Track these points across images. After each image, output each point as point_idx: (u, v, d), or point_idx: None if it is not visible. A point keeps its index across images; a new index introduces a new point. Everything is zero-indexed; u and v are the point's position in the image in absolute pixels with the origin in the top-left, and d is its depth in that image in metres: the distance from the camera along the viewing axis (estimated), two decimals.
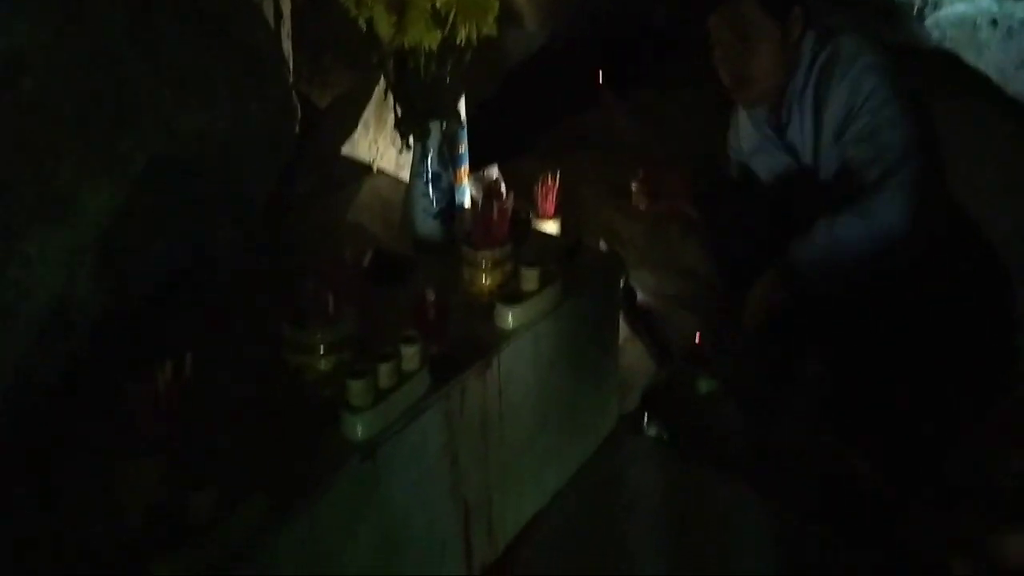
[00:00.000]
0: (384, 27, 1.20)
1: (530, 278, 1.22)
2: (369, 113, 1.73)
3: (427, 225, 1.38)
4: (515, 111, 2.25)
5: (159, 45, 0.98)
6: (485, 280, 1.25)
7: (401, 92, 1.32)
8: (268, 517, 0.85)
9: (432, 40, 1.23)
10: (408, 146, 1.39)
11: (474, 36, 1.24)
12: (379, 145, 1.77)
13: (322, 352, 1.01)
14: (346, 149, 1.68)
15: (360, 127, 1.71)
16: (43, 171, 0.88)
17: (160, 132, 0.97)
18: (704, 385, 1.67)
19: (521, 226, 1.38)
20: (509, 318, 1.19)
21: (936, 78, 2.23)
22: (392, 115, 1.67)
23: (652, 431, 1.54)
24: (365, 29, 1.25)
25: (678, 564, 1.28)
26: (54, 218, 0.90)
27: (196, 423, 0.85)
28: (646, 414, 1.57)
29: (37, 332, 0.93)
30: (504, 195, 1.32)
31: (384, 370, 0.99)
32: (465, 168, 1.61)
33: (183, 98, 1.00)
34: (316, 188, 1.61)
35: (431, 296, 1.12)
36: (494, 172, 1.63)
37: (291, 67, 1.53)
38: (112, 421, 0.83)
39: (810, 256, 1.53)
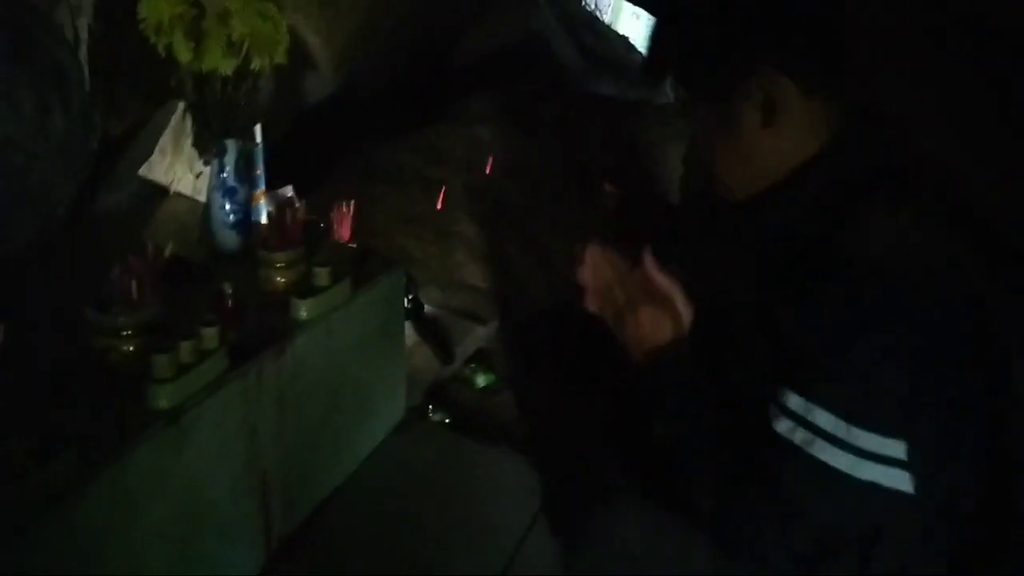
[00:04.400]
0: (183, 53, 1.34)
1: (322, 275, 1.39)
2: (166, 140, 1.83)
3: (224, 235, 1.51)
4: (312, 146, 2.43)
5: None
6: (280, 279, 1.40)
7: (199, 113, 1.45)
8: (80, 467, 0.95)
9: (227, 66, 1.38)
10: (206, 163, 1.53)
11: (267, 64, 1.41)
12: (176, 170, 1.87)
13: (127, 335, 1.13)
14: (143, 171, 1.77)
15: (157, 152, 1.81)
16: None
17: None
18: (483, 379, 1.91)
19: (315, 234, 1.55)
20: (302, 310, 1.35)
21: None
22: (188, 142, 1.81)
23: (436, 417, 1.75)
24: (164, 55, 1.39)
25: (460, 520, 1.48)
26: None
27: (11, 385, 0.94)
28: (431, 404, 1.77)
29: None
30: (296, 205, 1.48)
31: (185, 347, 1.12)
32: (262, 189, 1.75)
33: None
34: (114, 207, 1.69)
35: (228, 289, 1.27)
36: (288, 190, 1.78)
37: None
38: None
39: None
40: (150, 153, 1.78)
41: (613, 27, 4.95)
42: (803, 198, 0.97)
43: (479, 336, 2.07)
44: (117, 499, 1.00)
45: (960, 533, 0.94)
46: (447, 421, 1.76)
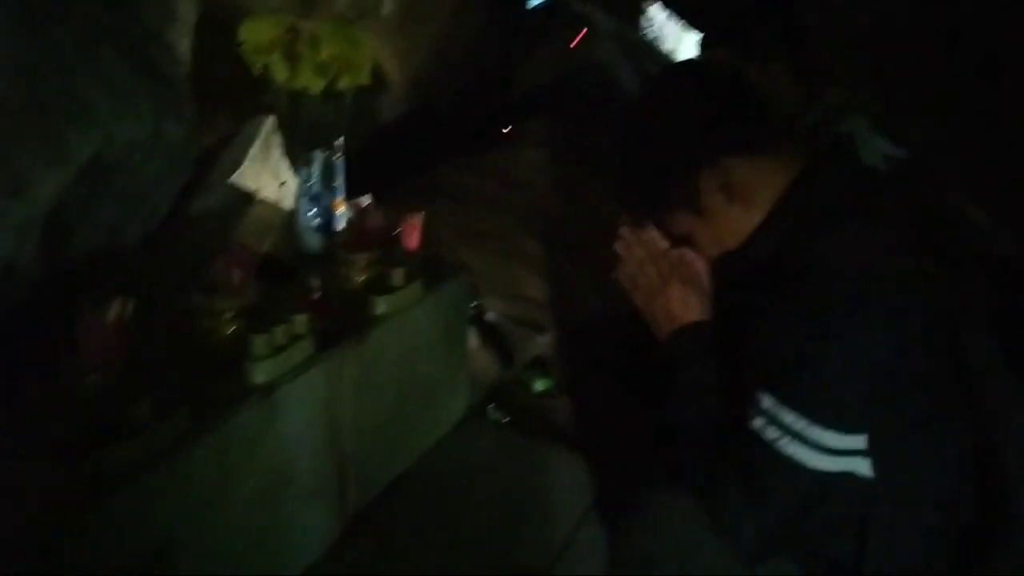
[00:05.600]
0: (280, 72, 1.50)
1: (397, 275, 1.52)
2: (255, 150, 1.99)
3: (309, 237, 1.65)
4: (383, 163, 2.58)
5: (101, 65, 1.23)
6: (359, 278, 1.53)
7: (291, 126, 1.60)
8: (189, 428, 1.08)
9: (318, 86, 1.53)
10: (296, 172, 1.67)
11: (352, 84, 1.55)
12: (263, 178, 2.03)
13: (228, 318, 1.26)
14: (234, 178, 1.93)
15: (247, 161, 1.97)
16: (7, 154, 1.10)
17: (99, 135, 1.21)
18: (540, 384, 2.00)
19: (390, 239, 1.67)
20: (379, 306, 1.48)
21: None
22: (274, 154, 1.96)
23: (496, 416, 1.85)
24: (260, 74, 1.55)
25: (515, 512, 1.58)
26: (13, 194, 1.12)
27: (133, 352, 1.07)
28: (491, 404, 1.88)
29: None
30: (375, 211, 1.61)
31: (279, 330, 1.25)
32: (342, 198, 1.89)
33: (118, 110, 1.24)
34: (206, 210, 1.85)
35: (315, 283, 1.40)
36: (366, 199, 1.92)
37: None
38: (63, 346, 1.04)
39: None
40: (240, 162, 1.94)
41: (673, 54, 5.04)
42: (780, 228, 1.06)
43: (537, 344, 2.17)
44: (219, 459, 1.13)
45: (958, 530, 1.01)
46: (505, 421, 1.86)
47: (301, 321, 1.28)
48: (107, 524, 0.99)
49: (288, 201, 2.05)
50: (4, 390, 1.07)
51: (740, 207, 1.09)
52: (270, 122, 1.99)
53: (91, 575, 0.97)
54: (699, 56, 1.91)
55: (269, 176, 2.04)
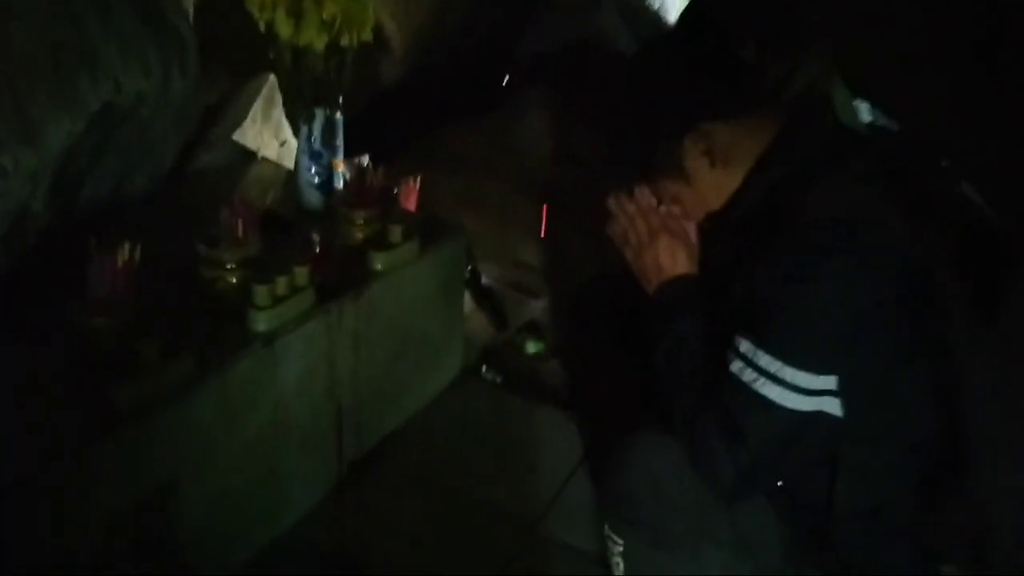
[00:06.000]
0: (284, 29, 1.51)
1: (394, 232, 1.55)
2: (257, 109, 2.01)
3: (310, 194, 1.68)
4: (382, 125, 2.59)
5: (110, 15, 1.25)
6: (358, 234, 1.56)
7: (293, 83, 1.62)
8: (193, 372, 1.12)
9: (321, 42, 1.55)
10: (296, 130, 1.69)
11: (355, 41, 1.57)
12: (264, 137, 2.05)
13: (231, 267, 1.30)
14: (236, 136, 1.95)
15: (248, 120, 1.99)
16: (21, 102, 1.13)
17: (109, 84, 1.23)
18: (533, 346, 2.05)
19: (389, 198, 1.70)
20: (377, 262, 1.51)
21: None
22: (275, 112, 1.99)
23: (489, 376, 1.89)
24: (264, 30, 1.56)
25: (508, 466, 1.63)
26: (26, 141, 1.14)
27: (140, 296, 1.11)
28: (484, 364, 1.92)
29: (3, 232, 1.16)
30: (373, 171, 1.64)
31: (281, 281, 1.28)
32: (341, 157, 1.92)
33: (128, 62, 1.27)
34: (208, 166, 1.87)
35: (315, 237, 1.43)
36: (365, 158, 1.95)
37: None
38: (75, 288, 1.08)
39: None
40: (242, 120, 1.96)
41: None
42: (760, 186, 1.10)
43: (532, 308, 2.21)
44: (223, 403, 1.17)
45: (925, 468, 1.07)
46: (499, 381, 1.90)
47: (302, 273, 1.32)
48: (115, 458, 1.03)
49: (288, 160, 2.07)
50: (16, 330, 1.10)
51: (722, 169, 1.13)
52: (271, 81, 2.00)
53: (98, 506, 1.01)
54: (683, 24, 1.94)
55: (270, 135, 2.06)
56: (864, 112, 1.31)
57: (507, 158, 2.84)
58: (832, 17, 2.22)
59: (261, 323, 1.25)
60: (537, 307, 2.24)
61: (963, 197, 1.18)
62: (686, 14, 2.02)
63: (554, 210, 2.69)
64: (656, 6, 5.35)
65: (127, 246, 1.08)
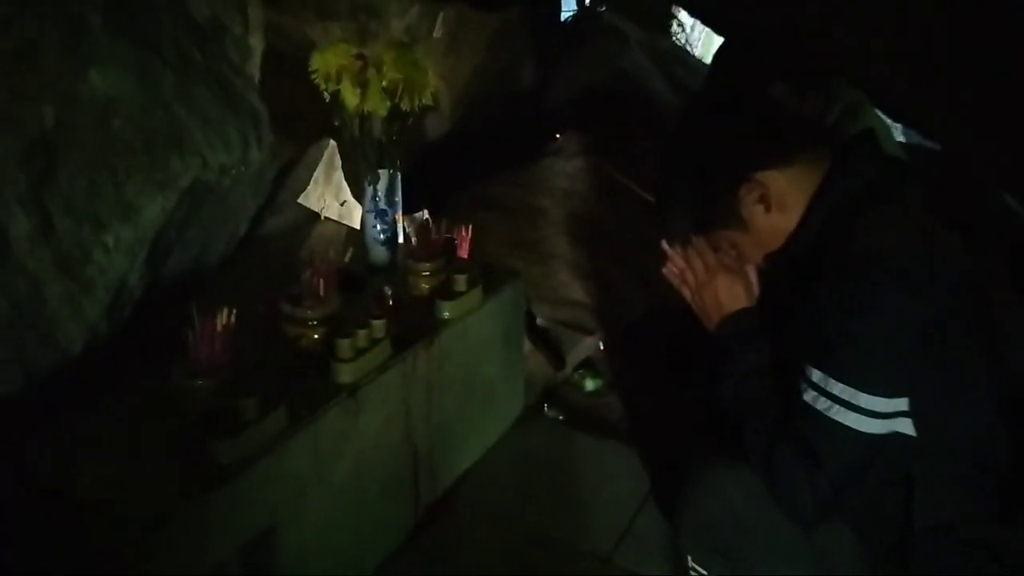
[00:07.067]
0: (350, 98, 1.62)
1: (460, 282, 1.63)
2: (319, 172, 2.12)
3: (377, 250, 1.77)
4: (431, 178, 2.70)
5: (196, 100, 1.37)
6: (426, 285, 1.65)
7: (358, 147, 1.72)
8: (288, 424, 1.20)
9: (384, 108, 1.65)
10: (357, 191, 1.79)
11: (416, 105, 1.67)
12: (326, 198, 2.16)
13: (314, 324, 1.38)
14: (301, 199, 2.06)
15: (312, 183, 2.10)
16: (120, 183, 1.23)
17: (197, 162, 1.34)
18: (591, 384, 2.10)
19: (450, 249, 1.79)
20: (446, 310, 1.59)
21: None
22: (336, 175, 2.09)
23: (552, 414, 1.95)
24: (330, 99, 1.67)
25: (576, 501, 1.68)
26: (125, 218, 1.25)
27: (236, 355, 1.20)
28: (546, 403, 1.98)
29: (107, 304, 1.26)
30: (434, 224, 1.72)
31: (362, 335, 1.36)
32: (400, 212, 2.01)
33: (212, 140, 1.37)
34: (278, 228, 1.98)
35: (388, 291, 1.52)
36: (424, 213, 2.04)
37: None
38: (174, 353, 1.17)
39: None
40: (305, 184, 2.07)
41: (703, 60, 5.12)
42: (815, 225, 1.15)
43: (587, 346, 2.27)
44: (313, 453, 1.24)
45: (996, 482, 1.11)
46: (561, 418, 1.96)
47: (379, 326, 1.40)
48: (221, 510, 1.10)
49: (349, 218, 2.18)
50: (121, 392, 1.20)
51: (779, 213, 1.18)
52: (331, 146, 2.12)
53: (204, 556, 1.09)
54: (721, 82, 2.00)
55: (331, 196, 2.17)
56: (899, 134, 1.35)
57: (549, 202, 2.92)
58: (858, 47, 2.27)
59: (345, 375, 1.33)
60: (592, 344, 2.30)
61: (1007, 209, 1.23)
62: (715, 65, 2.10)
63: (599, 249, 2.77)
64: (682, 42, 5.47)
65: (226, 311, 1.17)
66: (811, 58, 2.08)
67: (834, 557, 1.14)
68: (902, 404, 1.05)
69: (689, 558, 1.22)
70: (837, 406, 1.04)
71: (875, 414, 1.04)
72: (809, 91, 1.96)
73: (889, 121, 2.46)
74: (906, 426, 1.06)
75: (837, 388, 1.04)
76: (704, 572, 1.20)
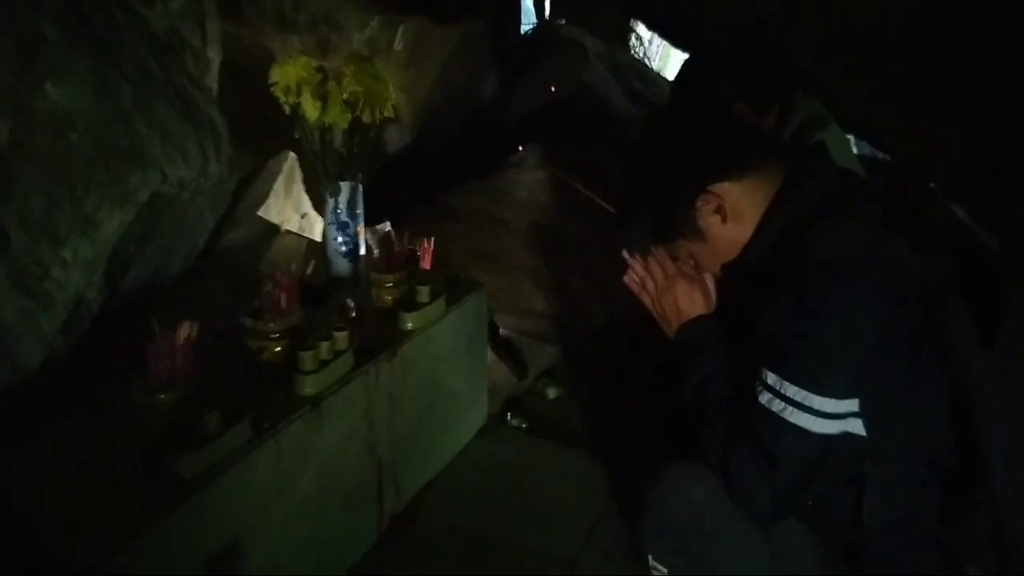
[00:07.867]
0: (310, 111, 1.62)
1: (422, 293, 1.64)
2: (279, 185, 2.12)
3: (339, 262, 1.78)
4: (391, 189, 2.71)
5: (155, 115, 1.36)
6: (389, 296, 1.65)
7: (319, 160, 1.73)
8: (251, 437, 1.20)
9: (345, 120, 1.66)
10: (317, 203, 1.80)
11: (377, 117, 1.68)
12: (286, 211, 2.16)
13: (276, 337, 1.38)
14: (261, 212, 2.05)
15: (271, 196, 2.09)
16: (79, 198, 1.23)
17: (156, 177, 1.33)
18: (553, 392, 2.13)
19: (413, 261, 1.80)
20: (408, 322, 1.60)
21: None
22: (295, 188, 2.09)
23: (515, 423, 1.97)
24: (290, 112, 1.67)
25: (539, 508, 1.70)
26: (83, 233, 1.24)
27: (198, 369, 1.19)
28: (509, 412, 2.00)
29: (64, 320, 1.25)
30: (397, 236, 1.73)
31: (324, 346, 1.37)
32: (362, 224, 2.02)
33: (171, 154, 1.37)
34: (237, 241, 1.97)
35: (351, 303, 1.52)
36: (387, 225, 2.05)
37: None
38: (134, 367, 1.16)
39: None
40: (265, 197, 2.07)
41: (661, 73, 5.21)
42: (770, 234, 1.20)
43: (548, 355, 2.29)
44: (276, 466, 1.24)
45: (942, 481, 1.16)
46: (524, 426, 1.98)
47: (342, 338, 1.40)
48: (185, 524, 1.10)
49: (309, 231, 2.18)
50: (80, 408, 1.19)
51: (735, 224, 1.22)
52: (291, 158, 2.12)
53: (173, 569, 1.08)
54: (685, 95, 2.05)
55: (291, 209, 2.17)
56: (854, 146, 1.41)
57: (511, 213, 2.95)
58: (818, 63, 2.34)
59: (308, 387, 1.33)
60: (554, 353, 2.32)
61: (956, 220, 1.28)
62: (678, 82, 2.15)
63: (561, 260, 2.80)
64: (640, 55, 5.55)
65: (187, 324, 1.17)
66: (773, 72, 2.15)
67: (790, 555, 1.17)
68: (853, 405, 1.09)
69: (650, 557, 1.25)
70: (791, 407, 1.08)
71: (827, 415, 1.08)
72: (771, 104, 2.02)
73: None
74: (857, 427, 1.10)
75: (791, 390, 1.08)
76: (664, 570, 1.22)
